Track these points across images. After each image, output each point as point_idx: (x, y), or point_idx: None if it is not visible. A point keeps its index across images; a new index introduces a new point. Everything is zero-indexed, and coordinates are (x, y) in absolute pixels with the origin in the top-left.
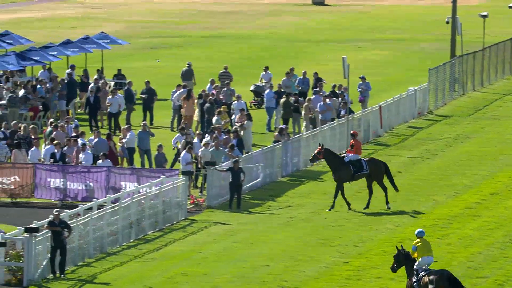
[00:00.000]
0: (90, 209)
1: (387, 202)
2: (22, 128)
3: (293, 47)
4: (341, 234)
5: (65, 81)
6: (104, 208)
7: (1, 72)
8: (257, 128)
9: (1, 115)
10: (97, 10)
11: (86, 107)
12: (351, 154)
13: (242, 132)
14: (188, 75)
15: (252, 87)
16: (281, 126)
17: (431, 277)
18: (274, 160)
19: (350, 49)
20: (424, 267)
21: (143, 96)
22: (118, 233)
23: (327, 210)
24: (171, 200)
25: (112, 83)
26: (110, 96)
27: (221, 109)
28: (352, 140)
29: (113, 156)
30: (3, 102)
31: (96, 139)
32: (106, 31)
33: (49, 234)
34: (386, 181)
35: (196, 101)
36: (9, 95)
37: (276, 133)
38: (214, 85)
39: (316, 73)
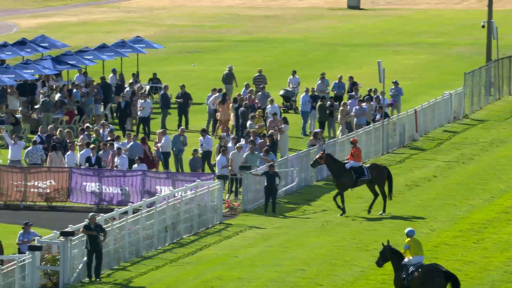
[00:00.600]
0: (125, 213)
1: (370, 207)
2: (57, 132)
3: (329, 51)
4: (376, 238)
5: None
6: (139, 212)
7: (37, 76)
8: (292, 132)
9: (36, 119)
10: (132, 14)
11: (117, 112)
12: (352, 161)
13: (279, 136)
14: (229, 78)
15: (281, 92)
16: (316, 130)
17: (424, 270)
18: (309, 164)
19: (385, 53)
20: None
21: (179, 100)
22: (153, 237)
23: (339, 215)
24: (206, 204)
25: (148, 87)
26: (142, 101)
27: (256, 113)
28: (352, 149)
29: (148, 160)
30: (37, 106)
31: (131, 143)
32: (142, 35)
33: (85, 238)
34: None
35: (231, 105)
36: (43, 99)
37: (311, 137)
38: (249, 89)
39: (351, 77)
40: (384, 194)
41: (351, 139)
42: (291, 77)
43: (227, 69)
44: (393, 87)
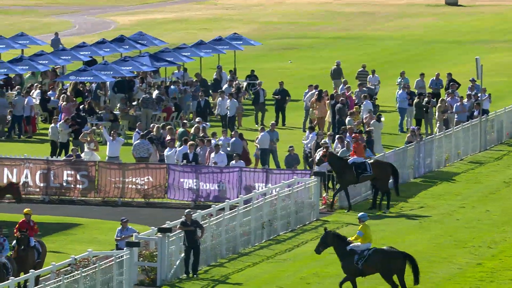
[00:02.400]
0: (222, 209)
1: (388, 207)
2: (154, 129)
3: (426, 48)
4: (474, 235)
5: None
6: (236, 209)
7: (135, 73)
8: (388, 129)
9: (134, 115)
10: (230, 11)
11: (196, 110)
12: (355, 157)
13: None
14: (337, 74)
15: None
16: (413, 127)
17: (382, 252)
18: (406, 161)
19: (483, 50)
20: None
21: (276, 96)
22: (250, 234)
23: (345, 212)
24: (303, 201)
25: (245, 84)
26: (228, 100)
27: (354, 109)
28: (354, 144)
29: (245, 156)
30: (135, 103)
31: (233, 139)
32: (239, 32)
33: (182, 234)
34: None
35: (327, 102)
36: (143, 96)
37: (408, 134)
38: (346, 86)
39: (449, 74)
40: (387, 192)
41: (353, 135)
42: (371, 76)
43: (335, 64)
44: (470, 84)
